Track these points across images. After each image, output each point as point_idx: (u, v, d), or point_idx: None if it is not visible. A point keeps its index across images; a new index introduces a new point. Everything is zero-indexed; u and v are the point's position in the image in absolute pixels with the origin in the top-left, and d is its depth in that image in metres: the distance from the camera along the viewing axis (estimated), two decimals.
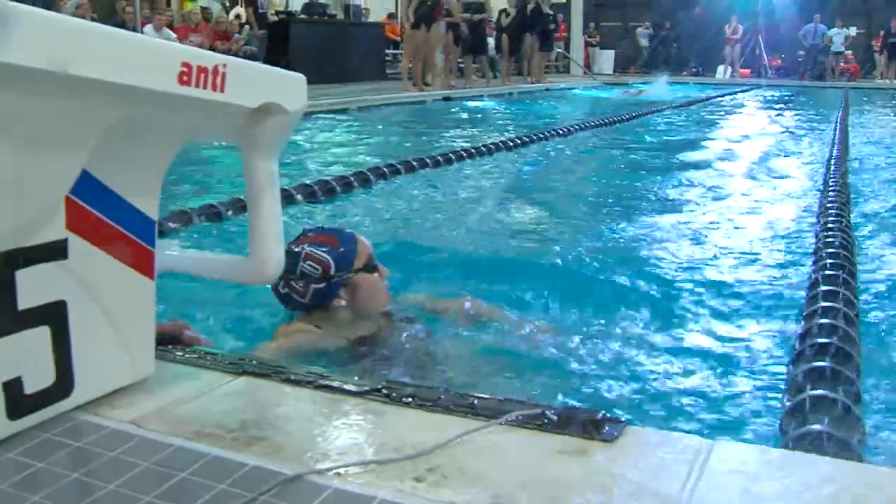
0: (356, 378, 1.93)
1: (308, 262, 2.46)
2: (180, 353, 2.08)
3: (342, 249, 2.50)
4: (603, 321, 3.08)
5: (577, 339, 2.82)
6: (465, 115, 13.89)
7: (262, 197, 1.90)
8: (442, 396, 1.79)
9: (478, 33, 18.84)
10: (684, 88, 20.96)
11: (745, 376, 2.64)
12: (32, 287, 1.62)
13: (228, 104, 1.70)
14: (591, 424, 1.63)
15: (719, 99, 17.93)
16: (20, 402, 1.64)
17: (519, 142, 8.80)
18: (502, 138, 8.99)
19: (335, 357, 2.47)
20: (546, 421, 1.65)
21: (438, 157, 7.36)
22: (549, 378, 2.46)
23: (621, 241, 4.48)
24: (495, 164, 7.74)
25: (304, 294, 2.49)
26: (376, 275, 2.57)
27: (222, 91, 1.67)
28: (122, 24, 12.22)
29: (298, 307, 2.54)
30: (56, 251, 1.65)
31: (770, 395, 2.48)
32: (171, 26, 14.64)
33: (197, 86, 1.61)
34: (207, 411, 1.78)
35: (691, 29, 28.12)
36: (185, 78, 1.59)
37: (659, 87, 20.28)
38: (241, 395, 1.89)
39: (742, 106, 17.15)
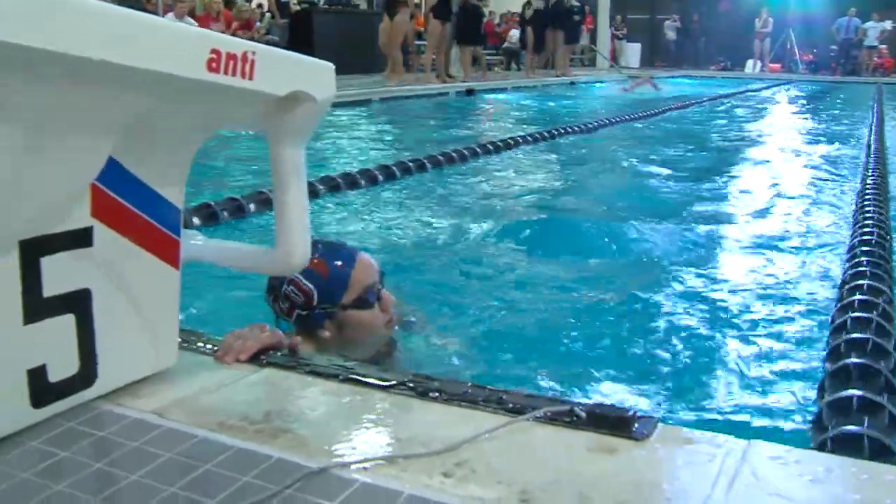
0: (382, 372, 1.93)
1: (291, 286, 2.29)
2: (203, 344, 2.09)
3: (330, 281, 2.28)
4: (634, 317, 3.07)
5: (608, 335, 2.81)
6: (488, 109, 13.89)
7: (288, 186, 1.90)
8: (469, 391, 1.78)
9: (472, 20, 17.00)
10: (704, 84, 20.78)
11: (781, 375, 2.62)
12: (58, 274, 1.63)
13: (257, 92, 1.70)
14: (621, 422, 1.62)
15: (741, 95, 17.75)
16: (44, 391, 1.65)
17: (539, 137, 8.81)
18: (521, 133, 9.00)
19: None
20: (575, 418, 1.64)
21: (464, 151, 7.39)
22: (579, 374, 2.45)
23: (651, 237, 4.46)
24: (514, 159, 7.75)
25: (289, 316, 2.32)
26: (373, 310, 2.32)
27: (251, 78, 1.67)
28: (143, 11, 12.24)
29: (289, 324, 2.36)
30: (81, 239, 1.66)
31: (806, 393, 2.46)
32: (192, 14, 14.68)
33: (226, 73, 1.61)
34: (231, 402, 1.79)
35: (720, 22, 27.92)
36: (213, 65, 1.59)
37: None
38: (266, 386, 1.89)
39: (772, 101, 17.03)
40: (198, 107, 1.71)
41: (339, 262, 2.30)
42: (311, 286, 2.26)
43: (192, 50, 1.57)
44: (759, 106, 15.91)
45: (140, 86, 1.54)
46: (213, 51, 1.59)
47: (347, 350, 2.28)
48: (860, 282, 3.19)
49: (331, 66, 1.89)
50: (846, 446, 1.95)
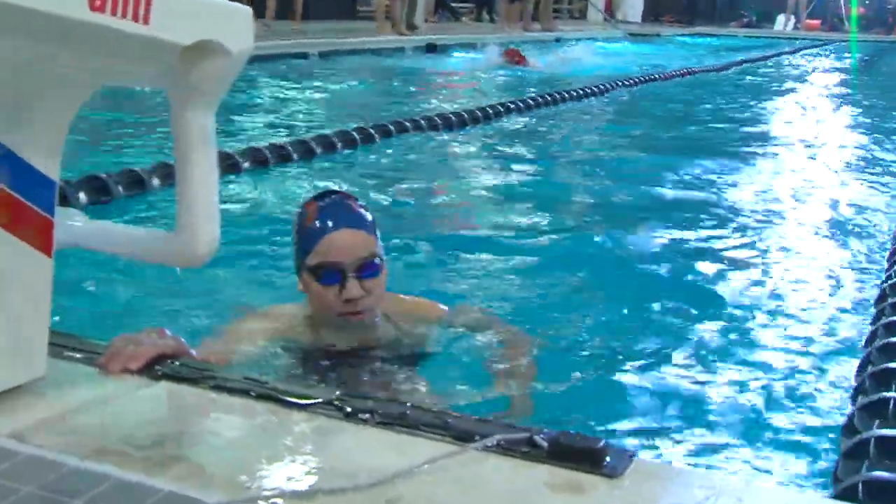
0: (306, 387, 1.94)
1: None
2: (82, 350, 2.08)
3: (303, 233, 2.53)
4: (610, 332, 3.10)
5: (579, 353, 2.83)
6: (449, 69, 13.91)
7: (193, 158, 1.89)
8: (408, 413, 1.80)
9: None
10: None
11: (779, 407, 2.64)
12: None
13: (154, 39, 1.70)
14: (589, 454, 1.64)
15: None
16: None
17: (512, 107, 8.92)
18: (489, 101, 9.09)
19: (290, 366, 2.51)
20: (535, 448, 1.67)
21: (420, 121, 7.44)
22: (542, 396, 2.47)
23: (635, 239, 4.54)
24: (480, 133, 7.80)
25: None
26: (325, 289, 2.48)
27: (146, 23, 1.66)
28: None
29: None
30: None
31: (801, 430, 2.49)
32: None
33: (113, 14, 1.60)
34: (114, 422, 1.79)
35: None
36: (97, 3, 1.59)
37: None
38: (159, 403, 1.90)
39: (808, 68, 17.14)
40: (77, 56, 1.70)
41: (322, 222, 2.49)
42: (294, 228, 2.55)
43: None
44: (790, 75, 16.02)
45: (2, 26, 1.53)
46: None
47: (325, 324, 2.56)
48: None
49: (248, 9, 1.90)
50: (878, 496, 1.97)
